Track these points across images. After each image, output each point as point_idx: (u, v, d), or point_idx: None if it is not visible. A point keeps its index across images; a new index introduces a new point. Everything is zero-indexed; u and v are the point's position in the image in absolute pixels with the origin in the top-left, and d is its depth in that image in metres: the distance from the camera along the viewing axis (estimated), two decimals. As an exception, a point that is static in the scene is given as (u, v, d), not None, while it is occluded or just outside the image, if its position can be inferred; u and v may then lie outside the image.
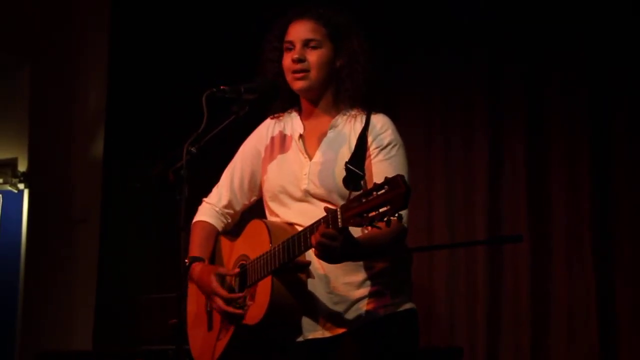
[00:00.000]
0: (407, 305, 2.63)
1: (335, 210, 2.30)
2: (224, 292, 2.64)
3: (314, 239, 2.34)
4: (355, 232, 2.42)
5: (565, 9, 4.62)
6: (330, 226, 2.31)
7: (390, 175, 2.21)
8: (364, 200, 2.22)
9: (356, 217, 2.23)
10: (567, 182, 4.57)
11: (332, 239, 2.30)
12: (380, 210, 2.18)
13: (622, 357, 4.35)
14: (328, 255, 2.35)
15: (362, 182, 2.38)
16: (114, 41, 5.89)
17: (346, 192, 2.35)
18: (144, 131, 5.63)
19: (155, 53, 5.69)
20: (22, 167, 5.77)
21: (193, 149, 2.54)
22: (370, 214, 2.20)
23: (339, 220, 2.28)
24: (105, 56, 5.91)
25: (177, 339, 2.49)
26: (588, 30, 4.56)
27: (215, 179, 2.99)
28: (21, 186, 5.74)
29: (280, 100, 2.81)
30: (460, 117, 4.89)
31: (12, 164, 5.78)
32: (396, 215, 2.17)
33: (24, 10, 5.75)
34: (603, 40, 4.52)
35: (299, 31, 2.70)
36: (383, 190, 2.18)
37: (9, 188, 5.75)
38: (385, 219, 2.18)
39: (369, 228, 2.26)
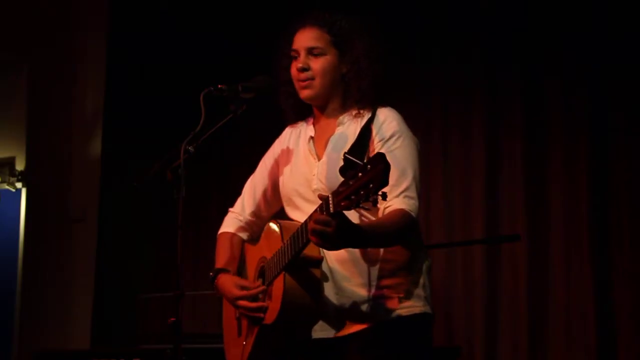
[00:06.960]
0: (418, 309, 2.60)
1: (327, 197, 2.29)
2: (242, 292, 2.67)
3: (309, 227, 2.32)
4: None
5: (564, 9, 4.62)
6: (324, 212, 2.29)
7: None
8: (350, 183, 2.20)
9: (345, 199, 2.21)
10: (565, 181, 4.56)
11: (324, 225, 2.27)
12: (365, 190, 2.15)
13: (620, 357, 4.35)
14: (324, 240, 2.31)
15: None
16: (112, 41, 5.90)
17: None
18: (142, 130, 5.64)
19: (152, 52, 5.70)
20: (19, 166, 5.77)
21: (190, 148, 2.55)
22: (356, 195, 2.18)
23: (331, 205, 2.26)
24: (103, 56, 5.92)
25: (175, 338, 2.49)
26: (587, 31, 4.56)
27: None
28: (19, 185, 5.74)
29: (295, 110, 2.82)
30: (459, 118, 4.89)
31: (9, 162, 5.78)
32: (379, 194, 2.14)
33: (22, 9, 5.75)
34: (602, 40, 4.52)
35: (303, 39, 2.71)
36: (367, 170, 2.17)
37: (7, 187, 5.75)
38: (370, 198, 2.15)
39: (361, 211, 2.23)
